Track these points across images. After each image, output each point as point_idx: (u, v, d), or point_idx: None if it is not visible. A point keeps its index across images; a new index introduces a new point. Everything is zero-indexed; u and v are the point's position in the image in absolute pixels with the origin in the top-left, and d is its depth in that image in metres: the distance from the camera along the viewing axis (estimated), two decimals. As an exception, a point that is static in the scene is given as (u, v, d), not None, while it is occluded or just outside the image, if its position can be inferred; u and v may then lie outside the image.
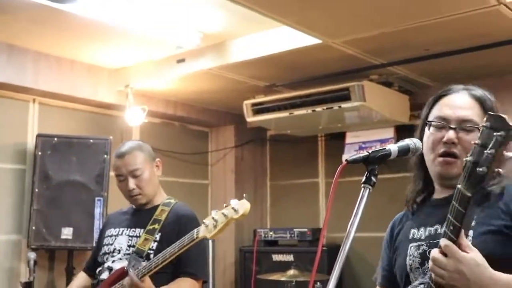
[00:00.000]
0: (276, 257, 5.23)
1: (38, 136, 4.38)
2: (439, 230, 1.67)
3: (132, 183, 2.66)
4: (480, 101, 1.72)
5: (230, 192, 5.93)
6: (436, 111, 1.75)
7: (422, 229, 1.75)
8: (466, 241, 1.38)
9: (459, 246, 1.36)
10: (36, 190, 4.22)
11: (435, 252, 1.39)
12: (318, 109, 4.54)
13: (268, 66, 4.38)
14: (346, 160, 1.52)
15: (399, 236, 1.86)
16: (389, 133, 4.91)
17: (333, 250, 4.38)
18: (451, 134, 1.66)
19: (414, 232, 1.77)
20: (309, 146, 5.82)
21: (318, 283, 3.87)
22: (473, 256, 1.36)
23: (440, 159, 1.68)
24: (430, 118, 1.76)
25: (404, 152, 1.61)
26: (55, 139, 4.34)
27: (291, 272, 4.32)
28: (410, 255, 1.72)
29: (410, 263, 1.72)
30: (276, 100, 4.76)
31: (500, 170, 1.33)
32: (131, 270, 2.47)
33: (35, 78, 4.33)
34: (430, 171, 1.75)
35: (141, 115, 4.86)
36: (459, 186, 1.34)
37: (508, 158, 1.38)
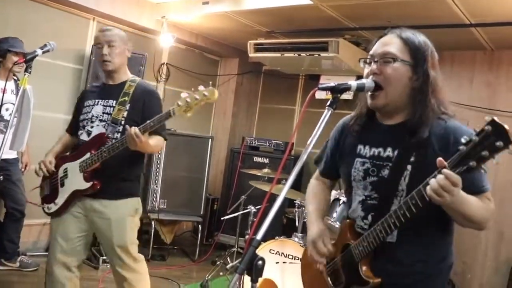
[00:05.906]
0: (256, 159, 5.31)
1: (94, 45, 4.33)
2: (382, 153, 1.56)
3: (106, 50, 2.52)
4: (404, 40, 1.54)
5: (229, 107, 5.95)
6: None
7: (367, 147, 1.60)
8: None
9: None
10: (89, 85, 4.19)
11: (443, 181, 1.21)
12: (303, 54, 4.47)
13: (270, 16, 4.31)
14: (318, 87, 1.43)
15: (345, 144, 1.71)
16: (352, 80, 4.84)
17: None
18: (373, 66, 1.54)
19: (361, 148, 1.62)
20: (292, 81, 5.78)
21: (284, 180, 3.83)
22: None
23: (369, 93, 1.55)
24: None
25: (360, 88, 1.50)
26: (105, 49, 4.32)
27: (266, 170, 4.37)
28: (355, 168, 1.61)
29: (354, 175, 1.61)
30: (272, 43, 4.68)
31: (485, 168, 1.16)
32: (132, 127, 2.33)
33: (96, 2, 4.31)
34: None
35: (171, 41, 4.87)
36: (446, 164, 1.21)
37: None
